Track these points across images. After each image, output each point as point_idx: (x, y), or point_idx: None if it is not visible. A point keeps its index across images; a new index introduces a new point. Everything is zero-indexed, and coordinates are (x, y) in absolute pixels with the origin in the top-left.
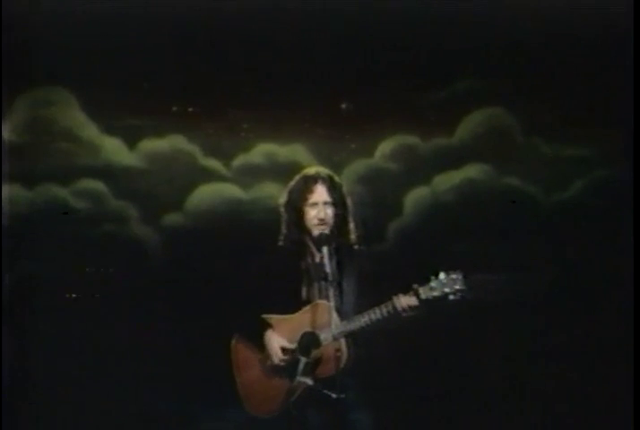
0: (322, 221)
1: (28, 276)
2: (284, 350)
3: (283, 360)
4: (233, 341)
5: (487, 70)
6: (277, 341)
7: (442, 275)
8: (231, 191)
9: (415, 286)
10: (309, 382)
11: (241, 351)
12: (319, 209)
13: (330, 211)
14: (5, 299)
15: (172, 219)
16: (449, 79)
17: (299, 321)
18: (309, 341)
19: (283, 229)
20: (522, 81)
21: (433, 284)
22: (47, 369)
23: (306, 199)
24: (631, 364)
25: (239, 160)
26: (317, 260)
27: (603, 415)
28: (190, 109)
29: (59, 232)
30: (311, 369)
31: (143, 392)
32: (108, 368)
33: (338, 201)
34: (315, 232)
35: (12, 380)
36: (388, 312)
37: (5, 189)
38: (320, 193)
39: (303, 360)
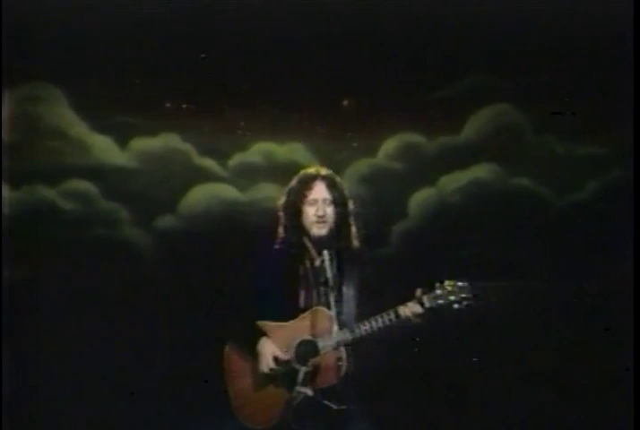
0: (321, 218)
1: (14, 279)
2: (276, 360)
3: (273, 370)
4: (226, 349)
5: (495, 65)
6: (271, 349)
7: (447, 283)
8: (227, 192)
9: (418, 293)
10: (309, 392)
11: (234, 359)
12: (318, 206)
13: (329, 209)
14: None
15: (165, 221)
16: (456, 74)
17: (297, 328)
18: (307, 350)
19: (281, 232)
20: (531, 76)
21: (438, 292)
22: (36, 376)
23: (304, 196)
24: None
25: (236, 160)
26: (317, 264)
27: (606, 417)
28: (184, 106)
29: (46, 234)
30: (310, 379)
31: (131, 400)
32: (96, 375)
33: (339, 200)
34: (315, 232)
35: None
36: (390, 320)
37: None
38: (319, 190)
39: (303, 369)
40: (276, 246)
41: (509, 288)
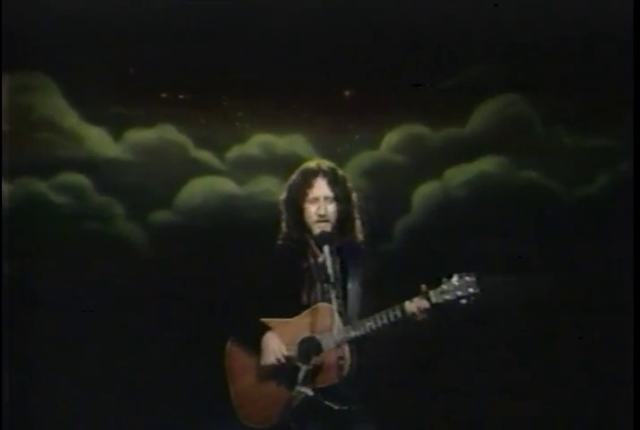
0: (322, 217)
1: (4, 275)
2: (283, 354)
3: (280, 362)
4: (228, 345)
5: (502, 54)
6: (277, 343)
7: (455, 277)
8: (225, 185)
9: (424, 288)
10: (309, 392)
11: (236, 356)
12: (319, 204)
13: (331, 207)
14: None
15: (161, 215)
16: (461, 63)
17: (299, 325)
18: (309, 347)
19: (283, 228)
20: (540, 65)
21: (445, 287)
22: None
23: (305, 194)
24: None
25: (234, 152)
26: (319, 260)
27: (607, 418)
28: (181, 96)
29: (38, 229)
30: (311, 378)
31: (131, 398)
32: (94, 372)
33: (341, 195)
34: (317, 230)
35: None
36: (395, 316)
37: None
38: (320, 188)
39: (303, 368)
40: (279, 242)
41: (516, 282)
